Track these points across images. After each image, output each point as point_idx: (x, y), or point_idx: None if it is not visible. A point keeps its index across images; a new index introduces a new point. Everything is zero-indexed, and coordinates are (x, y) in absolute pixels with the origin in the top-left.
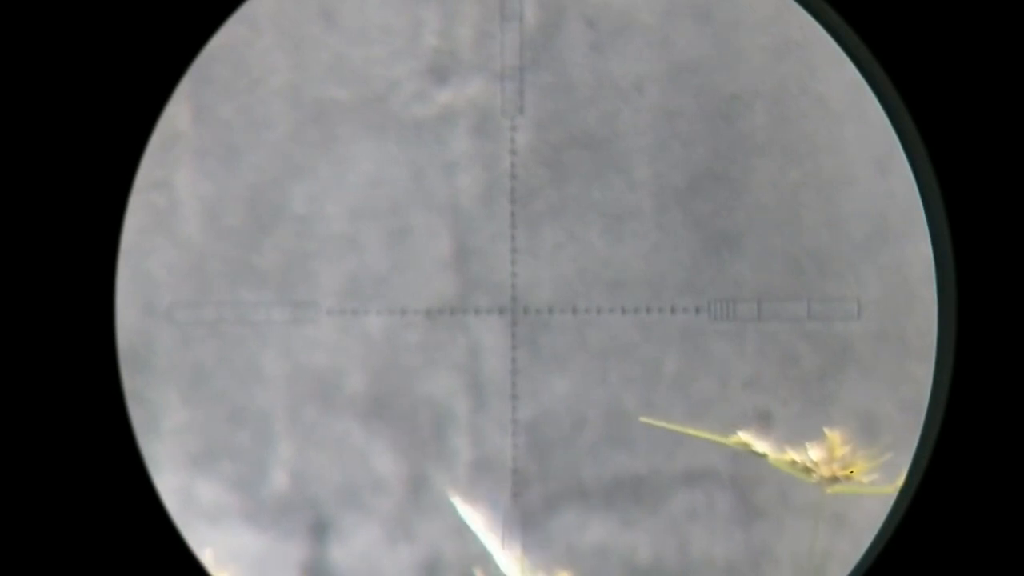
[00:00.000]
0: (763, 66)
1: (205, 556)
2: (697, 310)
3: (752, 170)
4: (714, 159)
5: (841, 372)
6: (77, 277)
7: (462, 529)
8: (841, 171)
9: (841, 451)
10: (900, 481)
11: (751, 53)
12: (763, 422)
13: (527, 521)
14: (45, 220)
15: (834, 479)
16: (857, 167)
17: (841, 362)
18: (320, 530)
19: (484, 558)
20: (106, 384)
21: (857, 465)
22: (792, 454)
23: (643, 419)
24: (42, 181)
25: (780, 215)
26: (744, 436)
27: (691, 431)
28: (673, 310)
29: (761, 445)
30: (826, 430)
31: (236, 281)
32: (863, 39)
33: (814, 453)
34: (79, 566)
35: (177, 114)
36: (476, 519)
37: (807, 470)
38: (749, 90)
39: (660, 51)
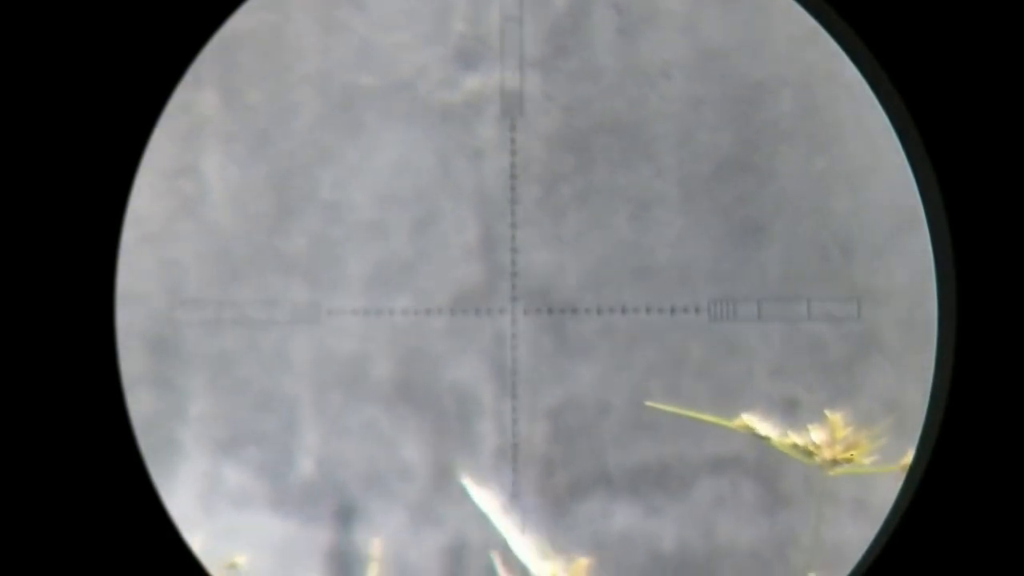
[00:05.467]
0: (790, 53)
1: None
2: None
3: (778, 157)
4: (739, 147)
5: (867, 360)
6: (77, 276)
7: (485, 515)
8: (869, 159)
9: (842, 433)
10: (907, 460)
11: (778, 40)
12: (789, 409)
13: (552, 508)
14: (45, 220)
15: (835, 462)
16: (885, 155)
17: (867, 350)
18: (345, 516)
19: (503, 543)
20: (106, 384)
21: (859, 447)
22: (794, 437)
23: (649, 403)
24: (42, 181)
25: (807, 204)
26: (748, 419)
27: (695, 415)
28: (673, 310)
29: (764, 428)
30: (827, 412)
31: (262, 267)
32: (863, 39)
33: (816, 435)
34: (79, 566)
35: (205, 100)
36: (490, 504)
37: (809, 453)
38: (775, 77)
39: (688, 37)
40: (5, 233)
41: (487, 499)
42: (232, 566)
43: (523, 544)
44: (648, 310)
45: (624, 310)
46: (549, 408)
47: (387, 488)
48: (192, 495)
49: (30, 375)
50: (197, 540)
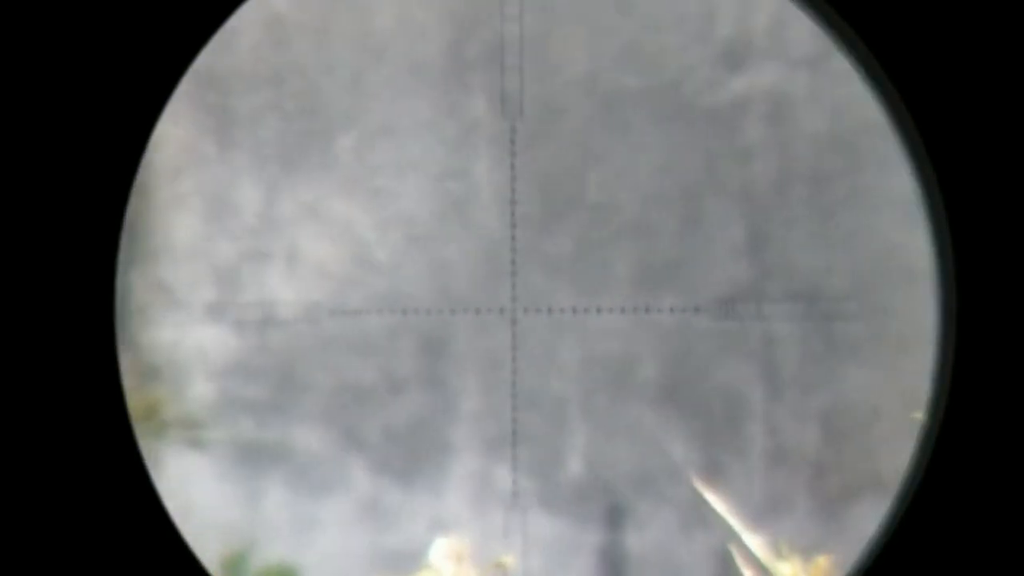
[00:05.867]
0: None
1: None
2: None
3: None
4: None
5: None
6: (78, 277)
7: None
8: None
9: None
10: None
11: None
12: None
13: (823, 509)
14: (46, 220)
15: None
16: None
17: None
18: (615, 516)
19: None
20: (106, 384)
21: None
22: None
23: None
24: (43, 181)
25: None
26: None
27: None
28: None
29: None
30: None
31: (528, 268)
32: (863, 39)
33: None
34: (79, 566)
35: (474, 104)
36: (720, 502)
37: None
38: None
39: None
40: (5, 233)
41: (717, 499)
42: (499, 566)
43: (760, 543)
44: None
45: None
46: (817, 409)
47: (656, 489)
48: (463, 494)
49: (31, 376)
50: (467, 539)
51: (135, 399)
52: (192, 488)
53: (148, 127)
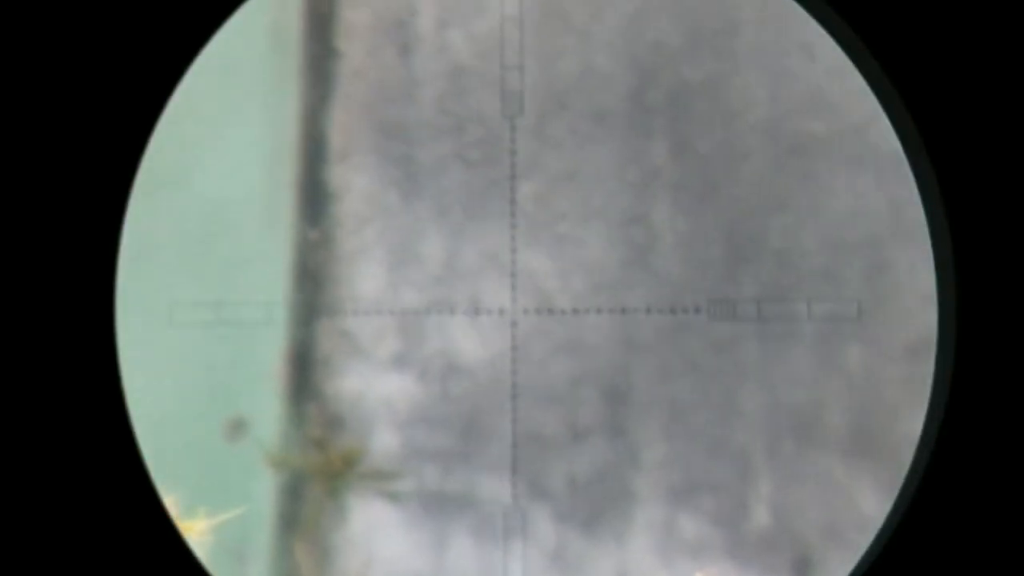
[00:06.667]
0: None
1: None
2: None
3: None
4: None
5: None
6: (78, 279)
7: None
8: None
9: None
10: None
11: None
12: None
13: None
14: (46, 220)
15: None
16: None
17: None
18: (803, 567)
19: None
20: (107, 385)
21: None
22: None
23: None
24: (43, 181)
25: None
26: None
27: None
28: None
29: None
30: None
31: (713, 314)
32: (863, 39)
33: None
34: (79, 566)
35: (654, 149)
36: None
37: None
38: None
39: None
40: (5, 234)
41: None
42: None
43: None
44: None
45: None
46: None
47: (845, 539)
48: (648, 543)
49: (31, 377)
50: None
51: (327, 451)
52: (378, 539)
53: (148, 127)
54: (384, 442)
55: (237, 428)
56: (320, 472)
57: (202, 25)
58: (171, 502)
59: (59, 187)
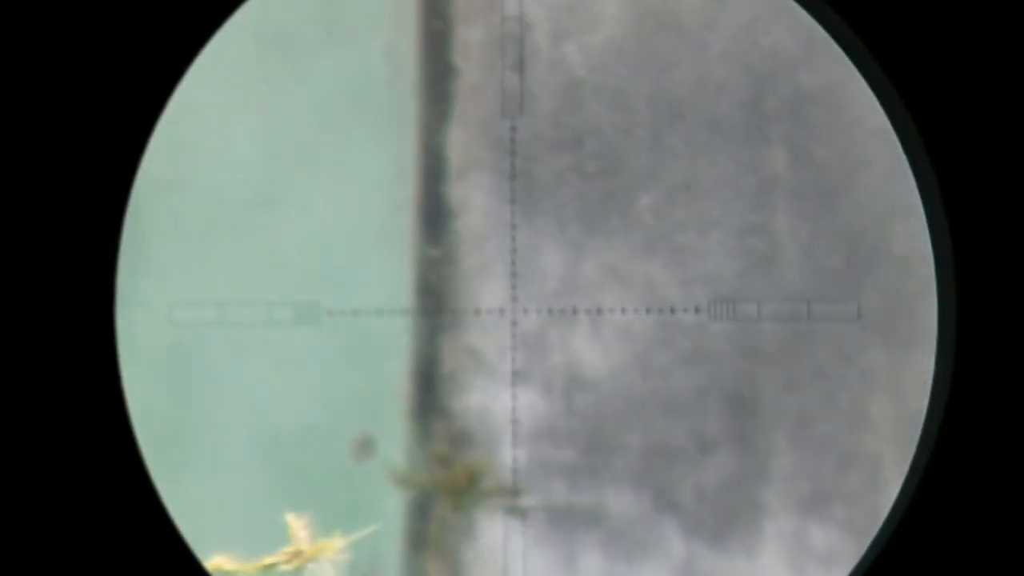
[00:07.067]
0: None
1: None
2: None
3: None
4: None
5: None
6: (78, 279)
7: None
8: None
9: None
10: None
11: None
12: None
13: None
14: (47, 220)
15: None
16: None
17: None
18: None
19: None
20: (107, 385)
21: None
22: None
23: None
24: (44, 181)
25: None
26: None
27: None
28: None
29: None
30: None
31: (838, 322)
32: (863, 39)
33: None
34: (79, 567)
35: (773, 157)
36: None
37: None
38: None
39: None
40: (6, 235)
41: None
42: None
43: None
44: None
45: None
46: None
47: None
48: (779, 555)
49: (31, 377)
50: None
51: (452, 468)
52: (507, 555)
53: (148, 127)
54: (509, 457)
55: (364, 448)
56: (446, 489)
57: (202, 25)
58: (304, 523)
59: (60, 187)
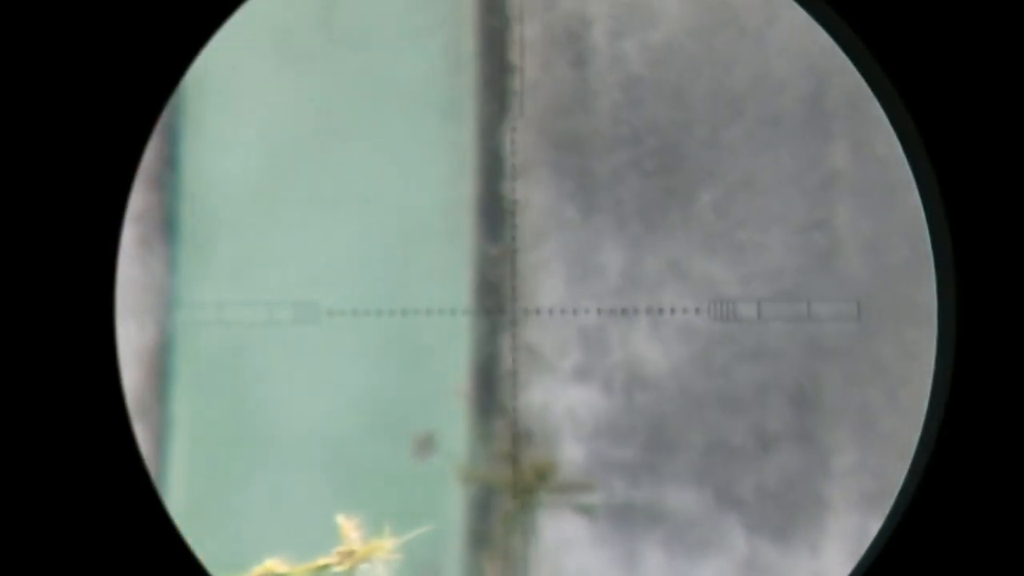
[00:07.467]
0: None
1: None
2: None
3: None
4: None
5: None
6: (79, 277)
7: None
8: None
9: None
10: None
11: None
12: None
13: None
14: (47, 220)
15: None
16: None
17: None
18: None
19: None
20: (107, 385)
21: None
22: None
23: None
24: (44, 181)
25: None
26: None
27: None
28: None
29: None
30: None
31: (897, 317)
32: (863, 39)
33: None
34: (79, 567)
35: (836, 152)
36: None
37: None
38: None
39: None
40: (5, 234)
41: None
42: None
43: None
44: None
45: None
46: None
47: None
48: (843, 551)
49: (31, 377)
50: None
51: (519, 465)
52: (569, 553)
53: (148, 127)
54: (571, 455)
55: (426, 445)
56: (511, 487)
57: (202, 25)
58: (356, 523)
59: (60, 187)
